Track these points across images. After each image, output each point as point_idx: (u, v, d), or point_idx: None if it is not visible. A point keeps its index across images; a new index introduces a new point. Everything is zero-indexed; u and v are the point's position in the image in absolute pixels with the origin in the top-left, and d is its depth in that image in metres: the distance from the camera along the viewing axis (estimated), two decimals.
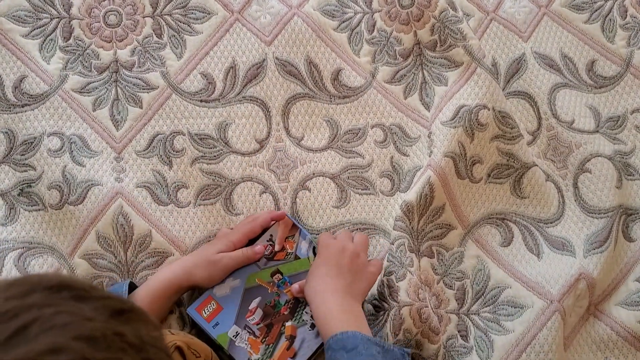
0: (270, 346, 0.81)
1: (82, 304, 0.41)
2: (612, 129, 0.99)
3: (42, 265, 0.85)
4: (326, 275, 0.79)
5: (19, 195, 0.87)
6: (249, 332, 0.81)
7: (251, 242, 0.86)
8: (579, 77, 1.01)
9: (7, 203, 0.87)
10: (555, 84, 1.00)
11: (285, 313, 0.83)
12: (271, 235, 0.87)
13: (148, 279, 0.83)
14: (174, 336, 0.72)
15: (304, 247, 0.87)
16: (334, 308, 0.76)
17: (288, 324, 0.82)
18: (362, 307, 0.82)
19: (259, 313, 0.83)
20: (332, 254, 0.81)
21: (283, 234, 0.87)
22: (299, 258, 0.87)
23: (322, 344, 0.80)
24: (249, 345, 0.81)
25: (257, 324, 0.82)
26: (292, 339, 0.82)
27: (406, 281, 0.83)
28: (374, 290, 0.85)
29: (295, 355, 0.81)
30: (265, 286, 0.84)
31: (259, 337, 0.81)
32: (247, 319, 0.82)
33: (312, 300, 0.78)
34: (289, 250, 0.87)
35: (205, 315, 0.82)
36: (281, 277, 0.85)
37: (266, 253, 0.86)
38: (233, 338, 0.81)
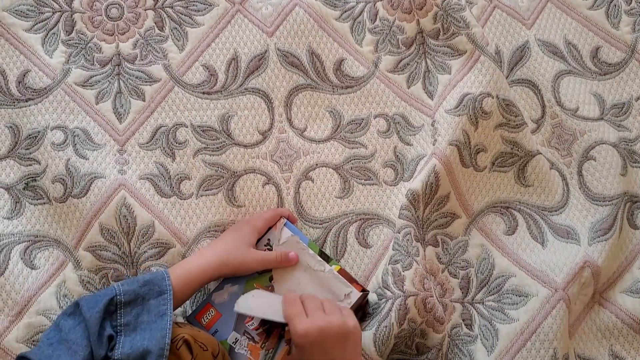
0: (270, 351, 0.80)
1: None
2: (617, 116, 0.98)
3: (47, 257, 0.85)
4: None
5: (24, 189, 0.88)
6: (248, 338, 0.80)
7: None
8: (583, 64, 1.00)
9: (12, 197, 0.88)
10: (559, 72, 1.00)
11: None
12: (269, 239, 0.86)
13: (183, 261, 0.81)
14: (182, 329, 0.73)
15: None
16: None
17: (287, 327, 0.81)
18: (367, 306, 0.83)
19: (258, 318, 0.81)
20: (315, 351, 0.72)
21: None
22: None
23: None
24: (249, 352, 0.80)
25: (257, 329, 0.81)
26: (291, 342, 0.79)
27: (412, 270, 0.83)
28: (379, 278, 0.85)
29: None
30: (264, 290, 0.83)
31: (258, 343, 0.80)
32: (246, 325, 0.81)
33: None
34: None
35: (204, 323, 0.81)
36: None
37: None
38: (232, 345, 0.80)
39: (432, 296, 0.83)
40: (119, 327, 0.69)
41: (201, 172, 0.90)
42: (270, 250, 0.85)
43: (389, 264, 0.84)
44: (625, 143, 0.96)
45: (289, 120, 0.94)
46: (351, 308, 0.81)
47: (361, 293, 0.82)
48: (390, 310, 0.80)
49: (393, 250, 0.85)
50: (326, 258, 0.84)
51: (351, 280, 0.83)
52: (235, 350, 0.80)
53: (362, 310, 0.85)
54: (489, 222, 0.92)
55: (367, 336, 0.80)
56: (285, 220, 0.87)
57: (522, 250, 0.90)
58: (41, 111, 0.90)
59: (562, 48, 1.01)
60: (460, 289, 0.88)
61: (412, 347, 0.83)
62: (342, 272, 0.84)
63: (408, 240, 0.85)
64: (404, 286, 0.81)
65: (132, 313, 0.70)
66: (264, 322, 0.81)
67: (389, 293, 0.82)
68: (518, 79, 0.98)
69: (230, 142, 0.92)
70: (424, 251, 0.87)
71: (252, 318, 0.81)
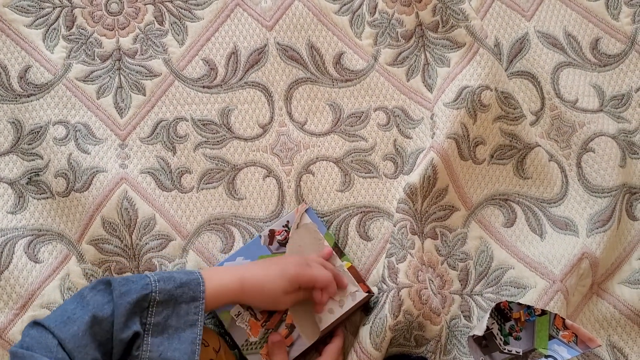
0: (269, 331, 0.81)
1: None
2: (617, 108, 0.98)
3: (51, 251, 0.86)
4: None
5: (27, 184, 0.89)
6: (250, 314, 0.82)
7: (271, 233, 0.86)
8: (583, 56, 1.00)
9: (16, 192, 0.89)
10: (558, 63, 0.99)
11: None
12: (288, 221, 0.87)
13: (221, 271, 0.76)
14: None
15: None
16: None
17: (290, 312, 0.82)
18: (368, 302, 0.84)
19: None
20: None
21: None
22: None
23: (319, 339, 0.81)
24: (249, 327, 0.81)
25: None
26: (291, 327, 0.82)
27: (406, 263, 0.83)
28: (379, 272, 0.85)
29: (292, 344, 0.81)
30: None
31: (259, 320, 0.81)
32: None
33: None
34: None
35: None
36: None
37: (280, 238, 0.86)
38: (235, 317, 0.81)
39: (427, 288, 0.84)
40: (147, 326, 0.66)
41: (202, 165, 0.91)
42: (288, 232, 0.86)
43: (385, 257, 0.85)
44: (624, 135, 0.96)
45: (289, 114, 0.95)
46: (353, 307, 0.82)
47: (366, 294, 0.83)
48: (384, 302, 0.81)
49: (389, 244, 0.86)
50: (340, 252, 0.85)
51: (359, 279, 0.84)
52: (237, 323, 0.81)
53: (364, 306, 0.85)
54: (487, 215, 0.92)
55: (364, 330, 0.81)
56: (308, 206, 0.88)
57: (521, 242, 0.91)
58: (43, 106, 0.91)
59: (561, 40, 1.01)
60: (459, 281, 0.89)
61: (411, 340, 0.84)
62: (352, 269, 0.85)
63: (403, 233, 0.86)
64: (398, 279, 0.82)
65: (163, 314, 0.67)
66: None
67: (385, 286, 0.82)
68: (517, 71, 0.98)
69: (231, 136, 0.92)
70: (422, 244, 0.88)
71: None
